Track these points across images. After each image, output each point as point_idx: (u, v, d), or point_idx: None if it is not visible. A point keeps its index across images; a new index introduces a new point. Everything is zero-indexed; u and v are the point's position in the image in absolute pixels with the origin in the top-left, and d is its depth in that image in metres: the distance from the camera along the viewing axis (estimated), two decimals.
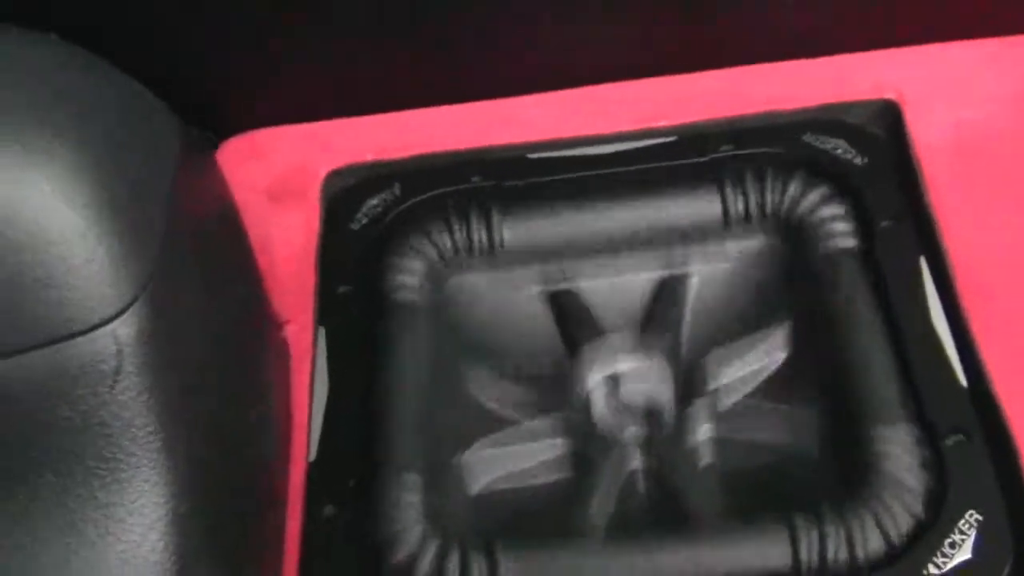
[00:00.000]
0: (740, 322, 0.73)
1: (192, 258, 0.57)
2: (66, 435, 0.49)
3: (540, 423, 0.70)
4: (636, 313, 0.75)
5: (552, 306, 0.75)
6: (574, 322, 0.74)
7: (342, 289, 0.73)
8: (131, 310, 0.49)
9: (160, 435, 0.50)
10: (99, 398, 0.49)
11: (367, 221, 0.76)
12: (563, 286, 0.75)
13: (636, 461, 0.69)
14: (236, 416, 0.60)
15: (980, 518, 0.60)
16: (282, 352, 0.70)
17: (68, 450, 0.49)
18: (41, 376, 0.48)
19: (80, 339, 0.49)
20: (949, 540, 0.59)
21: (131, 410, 0.50)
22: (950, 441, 0.63)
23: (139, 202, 0.52)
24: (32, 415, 0.49)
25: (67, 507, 0.49)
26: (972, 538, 0.59)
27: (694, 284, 0.75)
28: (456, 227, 0.74)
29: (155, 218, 0.53)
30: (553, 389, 0.72)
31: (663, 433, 0.70)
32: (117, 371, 0.49)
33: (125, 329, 0.49)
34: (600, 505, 0.66)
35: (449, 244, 0.74)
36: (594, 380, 0.72)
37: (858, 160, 0.74)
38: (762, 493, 0.67)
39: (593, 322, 0.74)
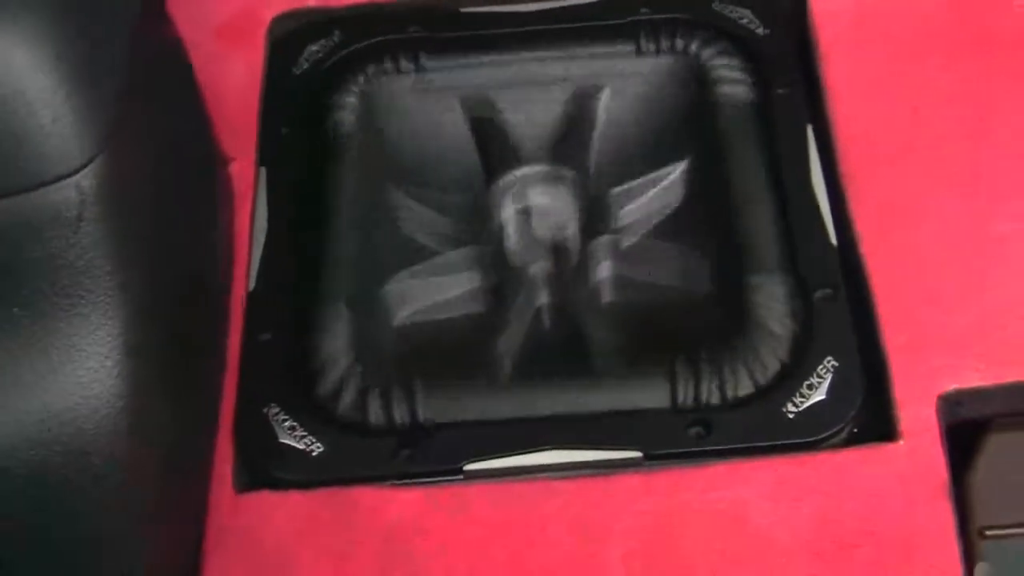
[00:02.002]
0: (643, 160, 0.81)
1: (149, 108, 0.63)
2: (35, 272, 0.55)
3: (458, 255, 0.78)
4: (551, 142, 0.82)
5: (474, 133, 0.82)
6: (494, 150, 0.81)
7: (283, 130, 0.79)
8: (93, 163, 0.55)
9: (118, 274, 0.56)
10: (64, 241, 0.55)
11: (308, 66, 0.82)
12: (486, 114, 0.81)
13: (543, 296, 0.77)
14: (186, 253, 0.66)
15: (836, 364, 0.68)
16: (227, 189, 0.76)
17: (36, 286, 0.55)
18: (12, 220, 0.54)
19: (47, 189, 0.54)
20: (807, 382, 0.67)
21: (93, 252, 0.56)
22: (818, 294, 0.71)
23: (101, 61, 0.57)
24: (5, 254, 0.55)
25: (35, 336, 0.56)
26: (828, 381, 0.67)
27: (604, 99, 0.81)
28: (389, 69, 0.80)
29: (116, 75, 0.58)
30: (472, 220, 0.79)
31: (568, 268, 0.77)
32: (80, 217, 0.55)
33: (88, 180, 0.55)
34: (509, 339, 0.74)
35: (383, 85, 0.81)
36: (507, 213, 0.79)
37: (760, 30, 0.81)
38: (651, 333, 0.75)
39: (511, 151, 0.81)
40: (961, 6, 0.81)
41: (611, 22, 0.82)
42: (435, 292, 0.77)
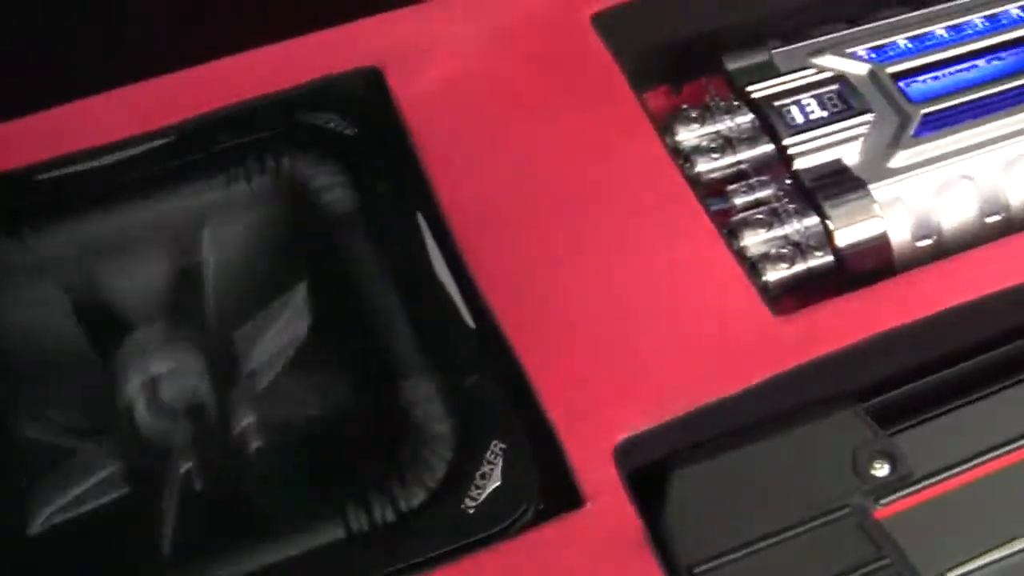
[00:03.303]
0: (261, 292, 0.77)
1: None
2: None
3: (89, 447, 0.72)
4: (163, 306, 0.77)
5: (78, 314, 0.76)
6: (103, 327, 0.75)
7: None
8: None
9: None
10: None
11: None
12: (87, 289, 0.76)
13: (189, 463, 0.71)
14: None
15: (504, 447, 0.65)
16: None
17: None
18: None
19: None
20: (479, 472, 0.65)
21: None
22: (468, 381, 0.68)
23: None
24: None
25: None
26: (499, 466, 0.65)
27: (211, 264, 0.77)
28: None
29: None
30: (98, 404, 0.73)
31: (209, 428, 0.72)
32: None
33: None
34: (164, 518, 0.68)
35: None
36: (132, 389, 0.74)
37: (349, 131, 0.78)
38: (311, 470, 0.70)
39: (122, 322, 0.76)
40: (540, 63, 0.81)
41: (197, 157, 0.78)
42: (73, 489, 0.71)
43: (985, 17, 0.84)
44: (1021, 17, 0.84)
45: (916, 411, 0.69)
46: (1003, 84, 0.80)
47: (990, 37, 0.82)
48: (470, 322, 0.70)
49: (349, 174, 0.76)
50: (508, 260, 0.73)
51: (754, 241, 0.76)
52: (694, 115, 0.80)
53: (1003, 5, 0.84)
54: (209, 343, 0.75)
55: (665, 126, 0.80)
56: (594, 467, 0.65)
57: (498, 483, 0.64)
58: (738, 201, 0.78)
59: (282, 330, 0.75)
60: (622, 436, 0.66)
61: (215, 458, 0.71)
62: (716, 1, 0.85)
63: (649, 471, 0.67)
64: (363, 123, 0.79)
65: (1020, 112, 0.78)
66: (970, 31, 0.83)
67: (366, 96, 0.81)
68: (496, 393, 0.68)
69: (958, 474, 0.67)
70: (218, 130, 0.79)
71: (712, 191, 0.78)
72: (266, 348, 0.75)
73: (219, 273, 0.77)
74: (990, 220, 0.77)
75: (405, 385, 0.68)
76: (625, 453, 0.66)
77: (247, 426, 0.72)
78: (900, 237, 0.75)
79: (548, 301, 0.71)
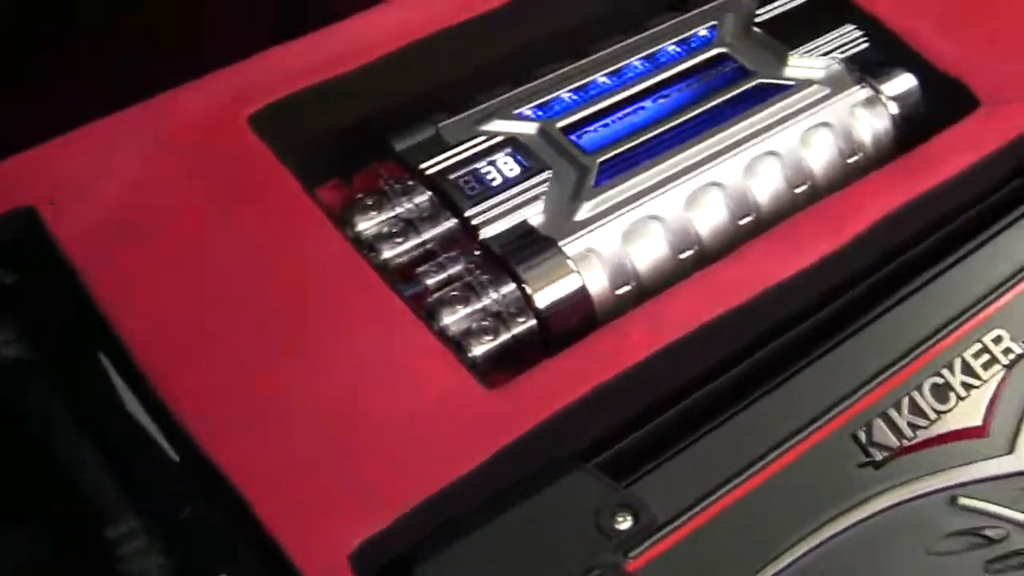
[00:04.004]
0: None
1: None
2: None
3: None
4: None
5: None
6: None
7: None
8: None
9: None
10: None
11: None
12: None
13: None
14: None
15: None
16: None
17: None
18: None
19: None
20: None
21: None
22: (182, 515, 0.64)
23: None
24: None
25: None
26: None
27: None
28: None
29: None
30: None
31: None
32: None
33: None
34: None
35: None
36: None
37: (9, 279, 0.73)
38: None
39: None
40: (204, 173, 0.77)
41: None
42: None
43: (643, 59, 0.84)
44: (678, 52, 0.85)
45: (648, 457, 0.68)
46: (672, 121, 0.81)
47: (652, 77, 0.83)
48: (173, 455, 0.66)
49: (16, 324, 0.70)
50: (205, 381, 0.68)
51: (454, 319, 0.73)
52: (370, 203, 0.78)
53: (658, 44, 0.85)
54: None
55: (342, 219, 0.77)
56: None
57: None
58: (430, 282, 0.76)
59: None
60: (356, 541, 0.62)
61: None
62: (375, 85, 0.82)
63: (395, 570, 0.63)
64: (23, 268, 0.73)
65: (694, 145, 0.79)
66: (631, 74, 0.84)
67: (22, 239, 0.75)
68: (214, 522, 0.63)
69: (703, 510, 0.65)
70: None
71: (403, 276, 0.76)
72: None
73: None
74: (683, 256, 0.77)
75: (113, 532, 0.63)
76: (363, 557, 0.62)
77: None
78: (599, 288, 0.74)
79: (255, 416, 0.67)
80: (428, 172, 0.77)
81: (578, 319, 0.74)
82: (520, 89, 0.83)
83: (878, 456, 0.68)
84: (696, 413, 0.70)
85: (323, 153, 0.82)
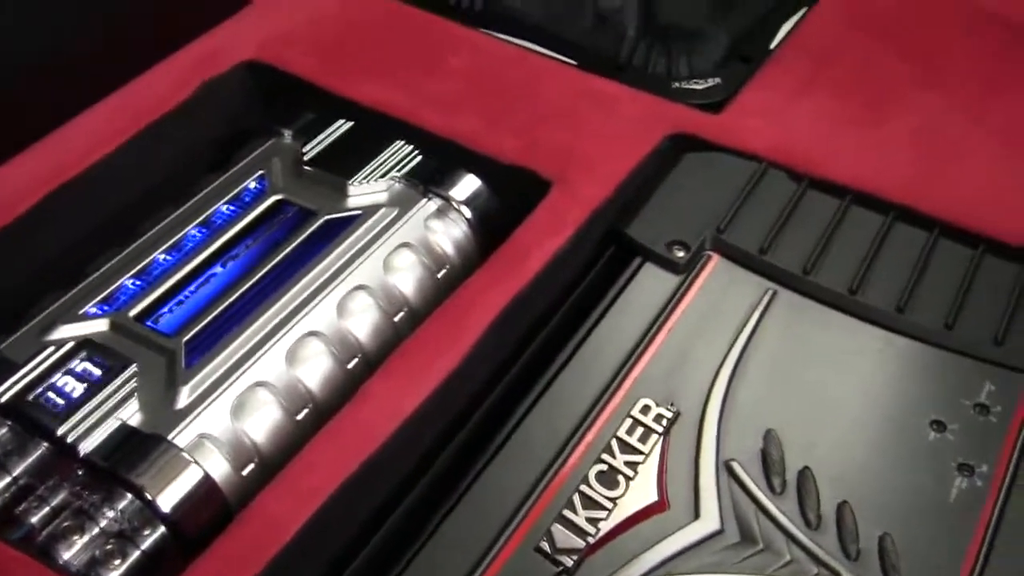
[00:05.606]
0: None
1: None
2: None
3: None
4: None
5: None
6: None
7: None
8: None
9: None
10: None
11: None
12: None
13: None
14: None
15: None
16: None
17: None
18: None
19: None
20: None
21: None
22: None
23: None
24: None
25: None
26: None
27: None
28: None
29: None
30: None
31: None
32: None
33: None
34: None
35: None
36: None
37: None
38: None
39: None
40: None
41: None
42: None
43: (198, 226, 0.79)
44: (233, 211, 0.80)
45: None
46: (248, 280, 0.76)
47: (213, 241, 0.79)
48: None
49: None
50: None
51: (73, 552, 0.65)
52: None
53: (211, 207, 0.80)
54: None
55: None
56: None
57: None
58: (35, 520, 0.67)
59: None
60: None
61: None
62: None
63: None
64: None
65: (278, 300, 0.75)
66: (191, 244, 0.78)
67: None
68: None
69: None
70: None
71: (5, 522, 0.67)
72: None
73: None
74: (300, 416, 0.72)
75: None
76: None
77: None
78: (223, 473, 0.68)
79: None
80: (2, 401, 0.69)
81: (211, 513, 0.67)
82: (77, 289, 0.76)
83: (569, 562, 0.65)
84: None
85: None
